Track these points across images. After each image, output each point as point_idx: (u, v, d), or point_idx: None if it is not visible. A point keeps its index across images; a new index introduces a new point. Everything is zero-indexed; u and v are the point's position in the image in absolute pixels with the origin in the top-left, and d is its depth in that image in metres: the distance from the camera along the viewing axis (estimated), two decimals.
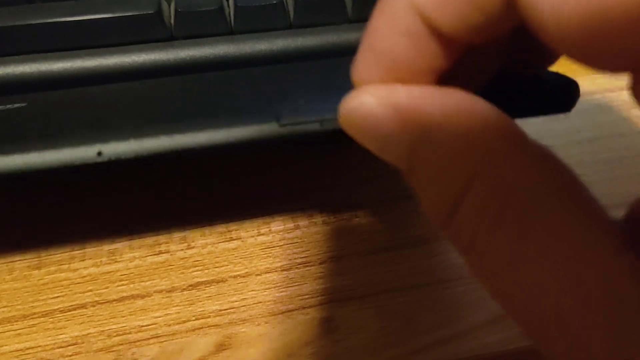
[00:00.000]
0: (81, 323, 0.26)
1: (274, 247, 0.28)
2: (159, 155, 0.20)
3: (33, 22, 0.31)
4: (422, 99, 0.16)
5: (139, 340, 0.26)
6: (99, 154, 0.20)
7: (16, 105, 0.25)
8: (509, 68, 0.20)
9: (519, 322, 0.15)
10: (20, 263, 0.28)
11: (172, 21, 0.33)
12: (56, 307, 0.26)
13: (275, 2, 0.33)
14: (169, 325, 0.26)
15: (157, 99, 0.26)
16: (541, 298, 0.14)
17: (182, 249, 0.28)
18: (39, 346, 0.25)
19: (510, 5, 0.14)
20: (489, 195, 0.15)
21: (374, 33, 0.17)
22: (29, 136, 0.22)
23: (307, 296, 0.27)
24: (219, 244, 0.28)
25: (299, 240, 0.28)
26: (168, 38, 0.33)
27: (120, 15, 0.32)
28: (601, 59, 0.13)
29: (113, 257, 0.28)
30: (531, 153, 0.15)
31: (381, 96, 0.16)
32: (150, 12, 0.32)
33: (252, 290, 0.27)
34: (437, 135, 0.15)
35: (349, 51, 0.30)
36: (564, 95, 0.22)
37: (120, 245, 0.28)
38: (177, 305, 0.27)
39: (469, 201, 0.15)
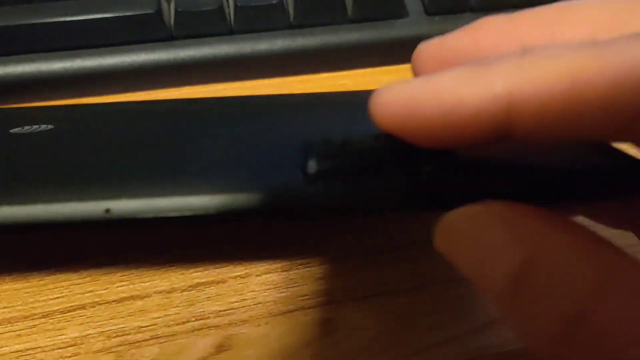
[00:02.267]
0: (81, 324, 0.26)
1: (273, 247, 0.28)
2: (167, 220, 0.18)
3: (32, 21, 0.31)
4: (531, 212, 0.16)
5: (138, 341, 0.26)
6: (107, 211, 0.18)
7: (43, 126, 0.25)
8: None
9: None
10: (20, 263, 0.28)
11: (172, 21, 0.33)
12: (56, 308, 0.26)
13: (275, 2, 0.33)
14: (169, 326, 0.26)
15: (174, 147, 0.24)
16: None
17: (182, 249, 0.28)
18: (39, 347, 0.25)
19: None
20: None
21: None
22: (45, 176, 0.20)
23: (307, 297, 0.27)
24: (219, 244, 0.28)
25: (299, 241, 0.28)
26: (168, 38, 0.33)
27: (120, 15, 0.32)
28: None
29: (113, 257, 0.28)
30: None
31: (492, 208, 0.16)
32: (150, 11, 0.32)
33: (252, 291, 0.27)
34: (556, 249, 0.15)
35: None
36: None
37: (120, 245, 0.28)
38: (176, 306, 0.27)
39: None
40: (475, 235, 0.16)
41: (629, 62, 0.15)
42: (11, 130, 0.24)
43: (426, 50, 0.20)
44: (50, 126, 0.25)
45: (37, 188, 0.19)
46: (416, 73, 0.20)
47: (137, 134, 0.25)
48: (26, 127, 0.25)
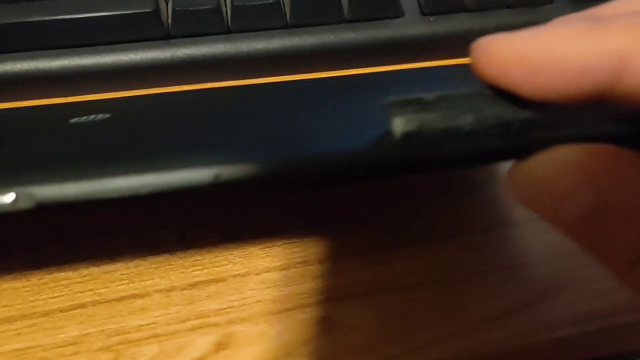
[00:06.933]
0: (81, 322, 0.26)
1: (273, 246, 0.28)
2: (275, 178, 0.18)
3: (30, 19, 0.31)
4: (605, 153, 0.17)
5: (138, 340, 0.26)
6: (217, 177, 0.18)
7: (100, 116, 0.24)
8: None
9: None
10: (20, 262, 0.28)
11: (169, 20, 0.33)
12: (56, 307, 0.27)
13: (271, 1, 0.33)
14: (169, 325, 0.26)
15: (263, 113, 0.24)
16: None
17: (182, 248, 0.28)
18: (39, 345, 0.26)
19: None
20: None
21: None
22: (128, 154, 0.20)
23: (306, 295, 0.27)
24: (219, 243, 0.28)
25: (298, 240, 0.29)
26: (165, 37, 0.33)
27: (118, 13, 0.32)
28: None
29: (113, 256, 0.28)
30: None
31: (566, 153, 0.17)
32: (147, 10, 0.32)
33: (252, 290, 0.27)
34: (626, 188, 0.16)
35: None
36: None
37: (120, 244, 0.28)
38: (176, 305, 0.27)
39: None
40: (550, 179, 0.17)
41: None
42: (70, 121, 0.25)
43: (492, 48, 0.19)
44: (106, 115, 0.25)
45: (134, 162, 0.19)
46: (480, 71, 0.19)
47: (222, 111, 0.25)
48: (83, 118, 0.25)
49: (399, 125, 0.18)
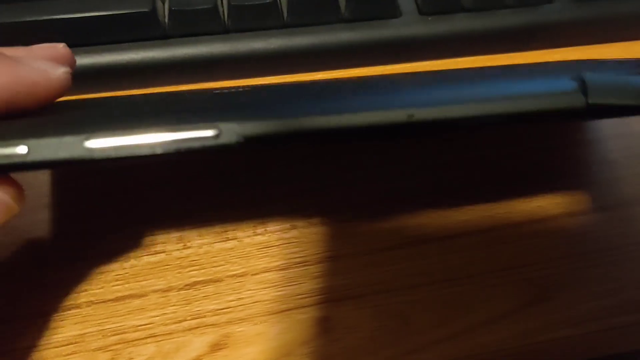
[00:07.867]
0: (76, 323, 0.26)
1: (271, 246, 0.28)
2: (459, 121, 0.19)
3: (27, 19, 0.31)
4: None
5: (135, 340, 0.26)
6: (410, 116, 0.19)
7: (240, 88, 0.25)
8: None
9: None
10: (13, 262, 0.28)
11: (167, 20, 0.33)
12: (51, 307, 0.26)
13: (269, 1, 0.33)
14: (166, 325, 0.26)
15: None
16: None
17: (178, 249, 0.28)
18: (36, 346, 0.25)
19: None
20: None
21: None
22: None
23: (304, 296, 0.27)
24: (216, 243, 0.28)
25: (296, 240, 0.29)
26: (163, 36, 0.33)
27: (115, 13, 0.32)
28: None
29: (107, 257, 0.28)
30: None
31: None
32: (144, 10, 0.32)
33: (249, 290, 0.27)
34: None
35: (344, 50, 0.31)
36: None
37: (115, 244, 0.28)
38: (173, 305, 0.27)
39: None
40: None
41: None
42: (214, 91, 0.27)
43: None
44: (247, 87, 0.27)
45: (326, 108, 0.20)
46: None
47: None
48: (225, 89, 0.27)
49: None
